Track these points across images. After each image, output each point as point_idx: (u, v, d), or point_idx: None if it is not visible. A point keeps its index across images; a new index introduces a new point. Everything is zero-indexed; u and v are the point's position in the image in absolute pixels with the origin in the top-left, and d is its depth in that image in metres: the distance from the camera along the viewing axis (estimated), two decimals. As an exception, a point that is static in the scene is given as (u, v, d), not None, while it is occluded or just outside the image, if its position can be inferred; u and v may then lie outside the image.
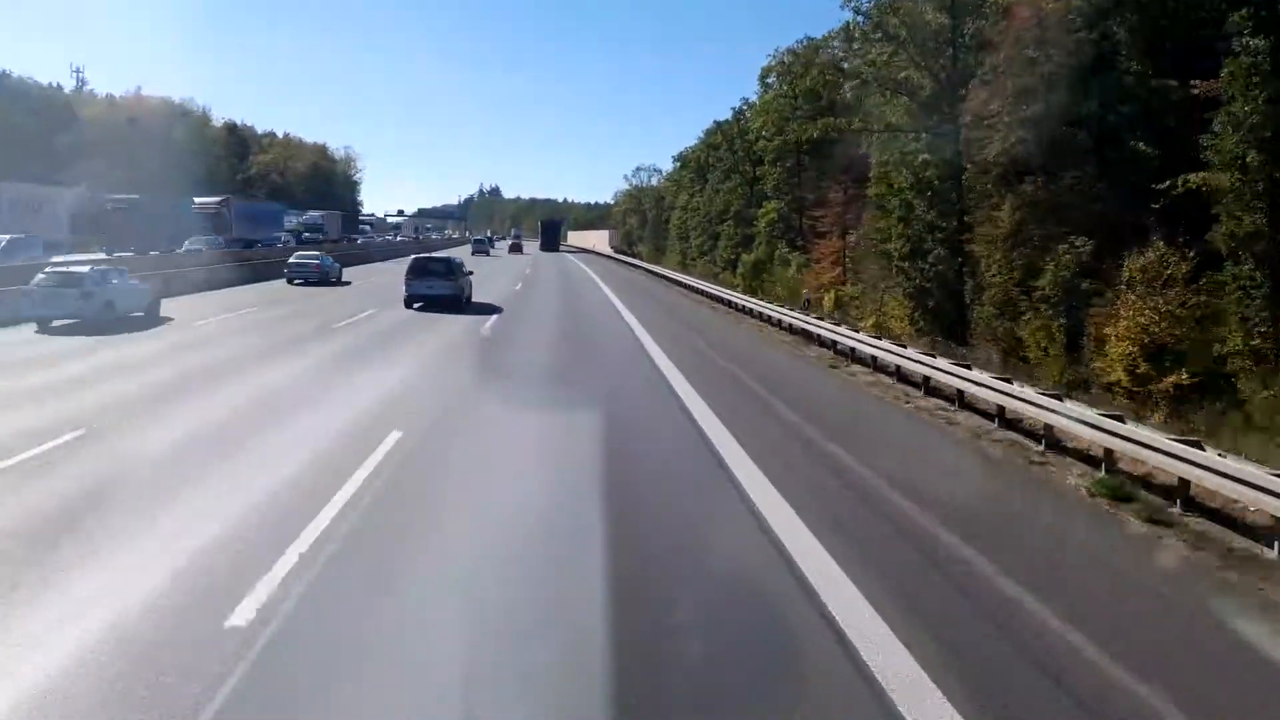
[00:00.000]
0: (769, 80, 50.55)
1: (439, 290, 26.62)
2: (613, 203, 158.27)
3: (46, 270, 21.82)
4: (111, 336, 19.07)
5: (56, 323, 20.27)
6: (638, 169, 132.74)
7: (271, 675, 5.22)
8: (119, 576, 6.63)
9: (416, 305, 26.42)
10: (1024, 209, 22.80)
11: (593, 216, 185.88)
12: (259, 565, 6.72)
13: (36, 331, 19.80)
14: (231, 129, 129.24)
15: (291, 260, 38.29)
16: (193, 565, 6.80)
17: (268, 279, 36.85)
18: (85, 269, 21.93)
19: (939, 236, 26.55)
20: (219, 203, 45.15)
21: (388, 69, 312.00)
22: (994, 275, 23.47)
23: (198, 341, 19.53)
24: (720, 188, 64.19)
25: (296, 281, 36.69)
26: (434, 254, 36.61)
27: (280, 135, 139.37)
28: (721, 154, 66.66)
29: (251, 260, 37.94)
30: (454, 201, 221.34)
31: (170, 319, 22.49)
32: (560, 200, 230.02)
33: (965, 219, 26.64)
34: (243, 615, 5.87)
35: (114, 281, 21.70)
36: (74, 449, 9.93)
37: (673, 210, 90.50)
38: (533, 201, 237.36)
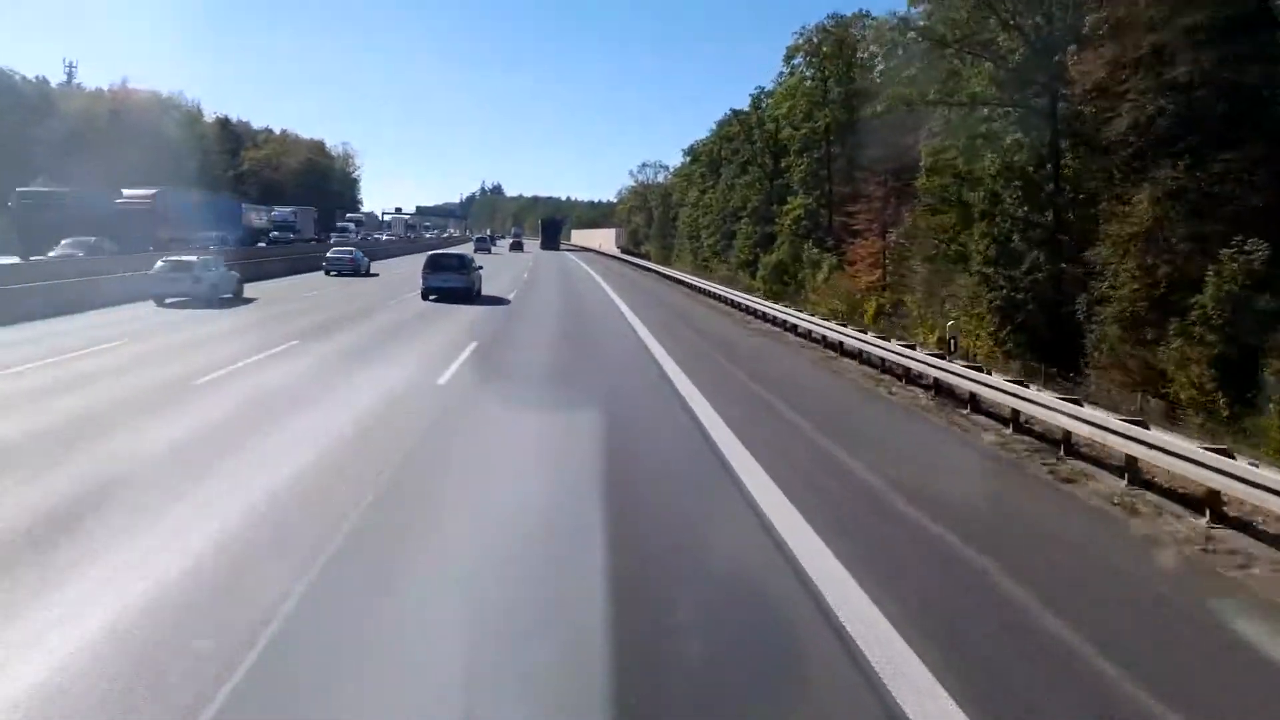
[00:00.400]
0: (795, 61, 45.03)
1: (452, 283, 27.99)
2: (616, 201, 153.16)
3: (164, 260, 25.26)
4: (218, 310, 23.19)
5: (168, 300, 23.71)
6: (643, 165, 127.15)
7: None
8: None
9: (432, 297, 27.63)
10: (1164, 201, 17.35)
11: (596, 215, 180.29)
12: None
13: (156, 306, 23.32)
14: (224, 124, 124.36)
15: (329, 255, 41.47)
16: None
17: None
18: (195, 259, 25.78)
19: (1035, 236, 21.12)
20: (149, 196, 39.16)
21: (390, 68, 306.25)
22: (1121, 286, 18.02)
23: (285, 314, 23.27)
24: (736, 182, 58.73)
25: (333, 273, 38.93)
26: (448, 251, 38.68)
27: (277, 132, 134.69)
28: (737, 145, 61.17)
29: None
30: (456, 200, 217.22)
31: (255, 298, 26.36)
32: (563, 198, 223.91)
33: (1064, 215, 21.26)
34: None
35: (213, 270, 25.52)
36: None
37: (681, 207, 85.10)
38: (535, 199, 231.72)
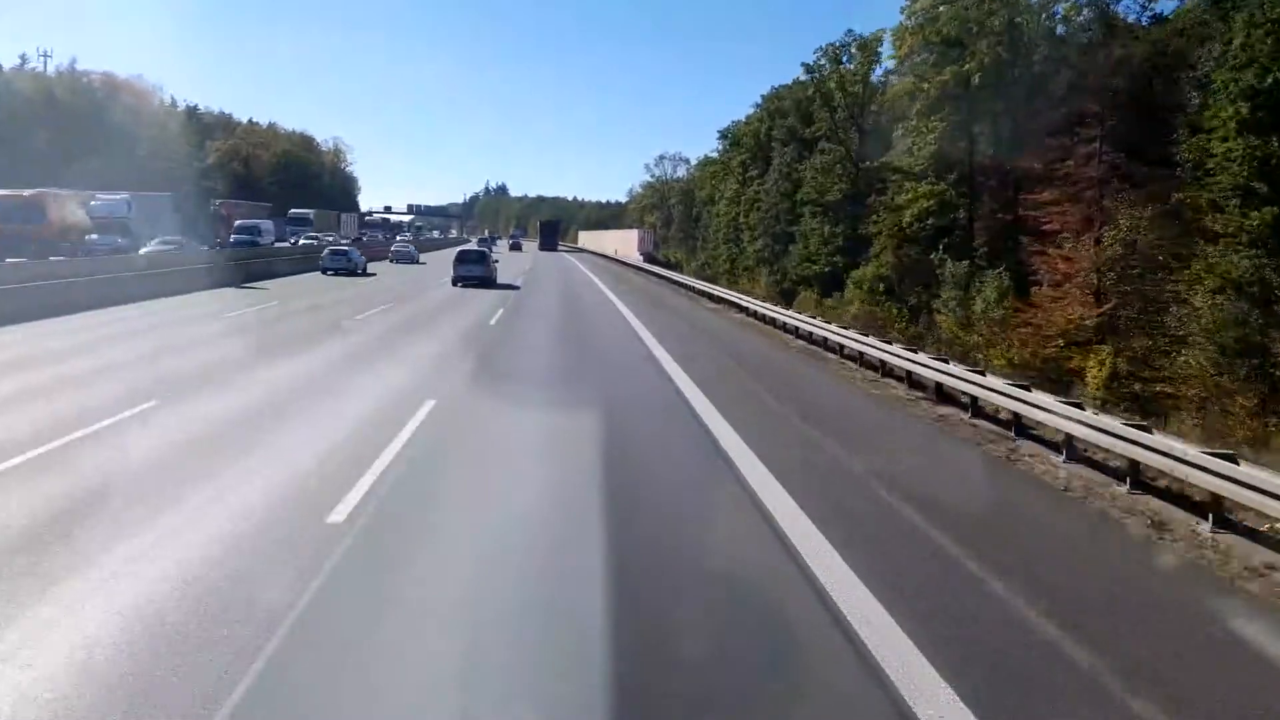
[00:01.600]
0: (915, -22, 29.24)
1: (475, 272, 34.32)
2: (627, 200, 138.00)
3: (329, 248, 41.52)
4: (358, 277, 37.07)
5: (329, 271, 36.79)
6: (660, 157, 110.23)
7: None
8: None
9: (459, 284, 33.48)
10: None
11: (605, 215, 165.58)
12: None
13: (321, 274, 35.90)
14: (192, 113, 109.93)
15: (392, 249, 55.50)
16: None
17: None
18: (348, 247, 43.78)
19: None
20: None
21: (395, 68, 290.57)
22: None
23: (413, 278, 38.29)
24: (800, 167, 43.25)
25: (395, 261, 51.00)
26: (470, 247, 44.88)
27: (264, 125, 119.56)
28: (792, 123, 45.89)
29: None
30: (460, 200, 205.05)
31: (375, 273, 39.85)
32: (570, 199, 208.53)
33: None
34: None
35: (356, 255, 40.93)
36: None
37: (711, 205, 69.63)
38: (540, 200, 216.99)
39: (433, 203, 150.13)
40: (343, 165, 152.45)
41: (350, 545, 5.89)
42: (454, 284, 32.76)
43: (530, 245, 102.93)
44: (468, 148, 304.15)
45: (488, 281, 33.87)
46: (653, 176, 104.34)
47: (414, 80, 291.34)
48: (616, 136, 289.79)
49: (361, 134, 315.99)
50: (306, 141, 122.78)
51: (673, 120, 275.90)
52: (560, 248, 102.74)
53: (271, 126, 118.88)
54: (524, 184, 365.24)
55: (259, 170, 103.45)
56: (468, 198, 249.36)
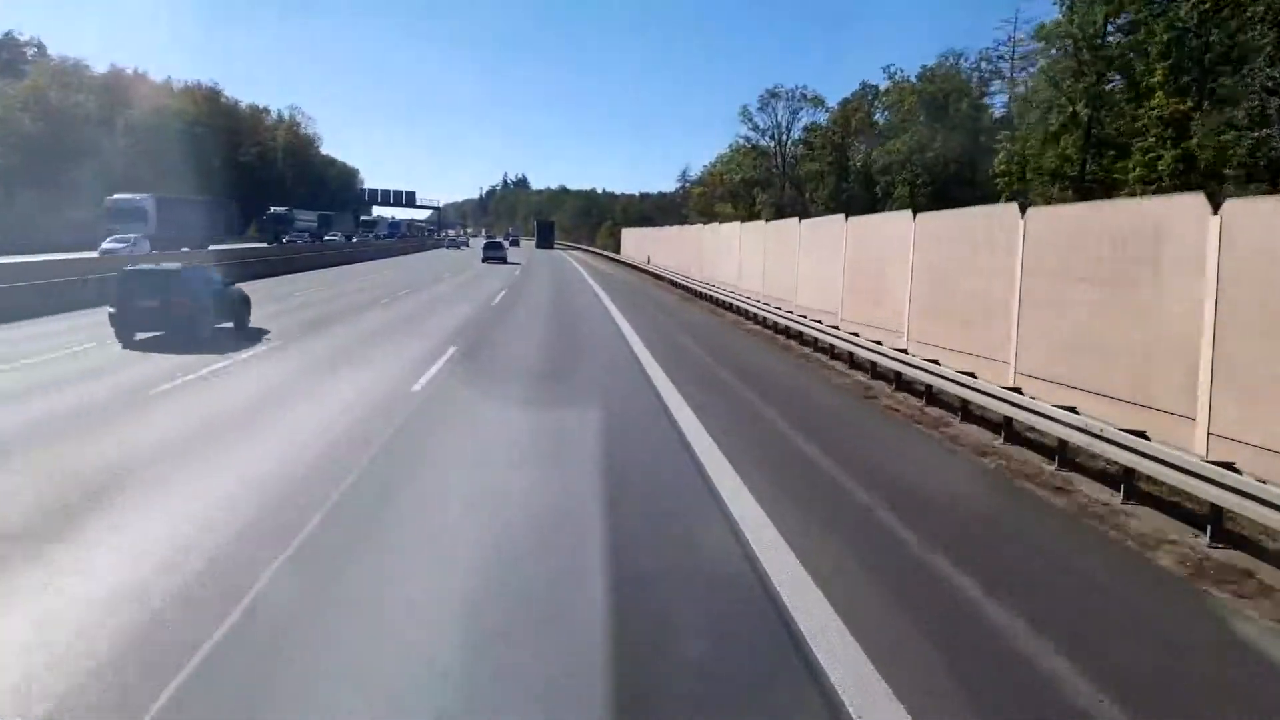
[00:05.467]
0: None
1: (498, 255, 57.33)
2: (679, 186, 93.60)
3: (446, 242, 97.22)
4: (459, 249, 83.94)
5: (445, 247, 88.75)
6: (770, 95, 59.74)
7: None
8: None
9: (486, 262, 54.19)
10: None
11: (646, 208, 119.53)
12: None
13: (448, 249, 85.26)
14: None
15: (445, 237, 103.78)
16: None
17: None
18: (458, 237, 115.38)
19: None
20: None
21: (398, 59, 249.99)
22: None
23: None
24: None
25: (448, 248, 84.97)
26: (493, 241, 70.43)
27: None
28: None
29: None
30: (475, 196, 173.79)
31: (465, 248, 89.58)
32: (599, 191, 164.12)
33: None
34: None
35: (462, 240, 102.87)
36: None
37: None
38: (564, 191, 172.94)
39: (457, 199, 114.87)
40: (308, 145, 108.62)
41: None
42: (483, 262, 54.18)
43: (528, 243, 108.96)
44: (489, 139, 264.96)
45: (504, 260, 56.22)
46: (756, 130, 59.02)
47: (428, 73, 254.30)
48: (652, 127, 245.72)
49: (373, 126, 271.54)
50: (202, 95, 77.27)
51: (710, 107, 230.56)
52: (555, 246, 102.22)
53: (142, 75, 73.62)
54: (547, 176, 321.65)
55: (96, 131, 59.21)
56: (484, 191, 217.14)
